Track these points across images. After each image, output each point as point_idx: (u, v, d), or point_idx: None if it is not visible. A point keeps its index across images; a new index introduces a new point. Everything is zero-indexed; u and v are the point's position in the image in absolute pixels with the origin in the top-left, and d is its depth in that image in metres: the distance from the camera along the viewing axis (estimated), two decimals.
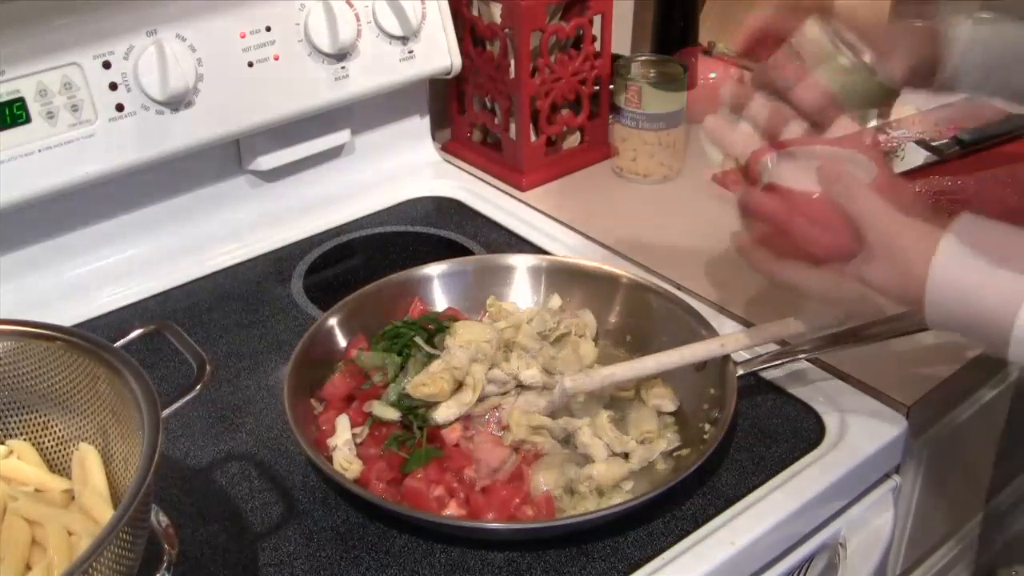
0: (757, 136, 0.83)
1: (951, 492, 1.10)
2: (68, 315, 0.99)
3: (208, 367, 0.70)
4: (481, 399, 0.84)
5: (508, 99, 1.20)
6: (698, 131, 1.30)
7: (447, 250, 1.10)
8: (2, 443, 0.74)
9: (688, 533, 0.76)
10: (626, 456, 0.82)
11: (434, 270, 0.98)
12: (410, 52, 1.16)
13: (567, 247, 1.10)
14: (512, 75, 1.18)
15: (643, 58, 1.25)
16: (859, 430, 0.85)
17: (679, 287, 1.01)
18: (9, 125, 0.92)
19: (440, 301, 0.97)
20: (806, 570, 0.87)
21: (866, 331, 0.86)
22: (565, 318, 0.93)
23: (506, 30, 1.16)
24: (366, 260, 1.12)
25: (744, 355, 0.88)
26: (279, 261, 1.10)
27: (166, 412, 0.64)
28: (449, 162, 1.29)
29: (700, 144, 0.88)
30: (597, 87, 1.24)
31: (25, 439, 0.74)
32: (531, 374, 0.85)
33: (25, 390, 0.72)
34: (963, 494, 1.15)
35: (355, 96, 1.13)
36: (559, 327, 0.91)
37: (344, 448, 0.81)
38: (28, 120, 0.93)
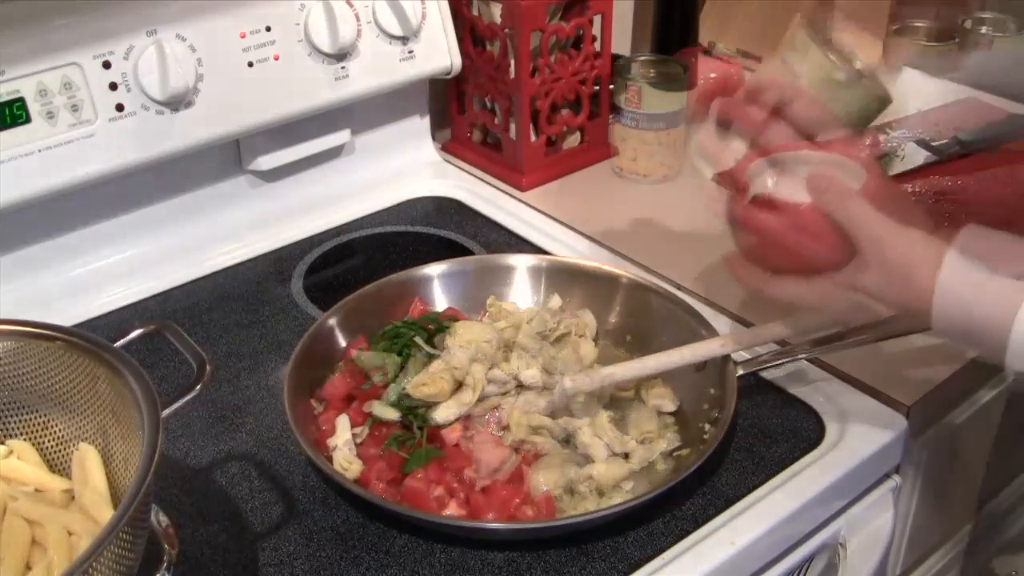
0: (748, 150, 0.83)
1: (951, 492, 1.10)
2: (68, 315, 0.99)
3: (208, 367, 0.70)
4: (481, 399, 0.84)
5: (508, 99, 1.20)
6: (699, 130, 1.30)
7: (447, 250, 1.10)
8: (2, 443, 0.74)
9: (688, 533, 0.76)
10: (626, 456, 0.82)
11: (434, 270, 0.98)
12: (410, 52, 1.16)
13: (567, 247, 1.10)
14: (512, 75, 1.18)
15: (643, 58, 1.25)
16: (859, 430, 0.85)
17: (679, 287, 1.01)
18: (9, 125, 0.92)
19: (440, 301, 0.97)
20: (806, 570, 0.87)
21: (866, 331, 0.86)
22: (565, 318, 0.93)
23: (506, 30, 1.17)
24: (366, 260, 1.12)
25: (744, 355, 0.88)
26: (279, 261, 1.10)
27: (166, 412, 0.64)
28: (449, 162, 1.29)
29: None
30: (597, 87, 1.24)
31: (25, 439, 0.74)
32: (531, 374, 0.85)
33: (25, 390, 0.72)
34: (963, 494, 1.15)
35: (355, 96, 1.13)
36: (559, 327, 0.91)
37: (344, 448, 0.81)
38: (28, 120, 0.93)
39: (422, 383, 0.83)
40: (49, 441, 0.74)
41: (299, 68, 1.08)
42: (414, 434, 0.82)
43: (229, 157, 1.13)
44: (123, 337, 0.71)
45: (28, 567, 0.65)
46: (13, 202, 0.94)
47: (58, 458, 0.74)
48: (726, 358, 0.85)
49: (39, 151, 0.94)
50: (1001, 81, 1.08)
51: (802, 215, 0.76)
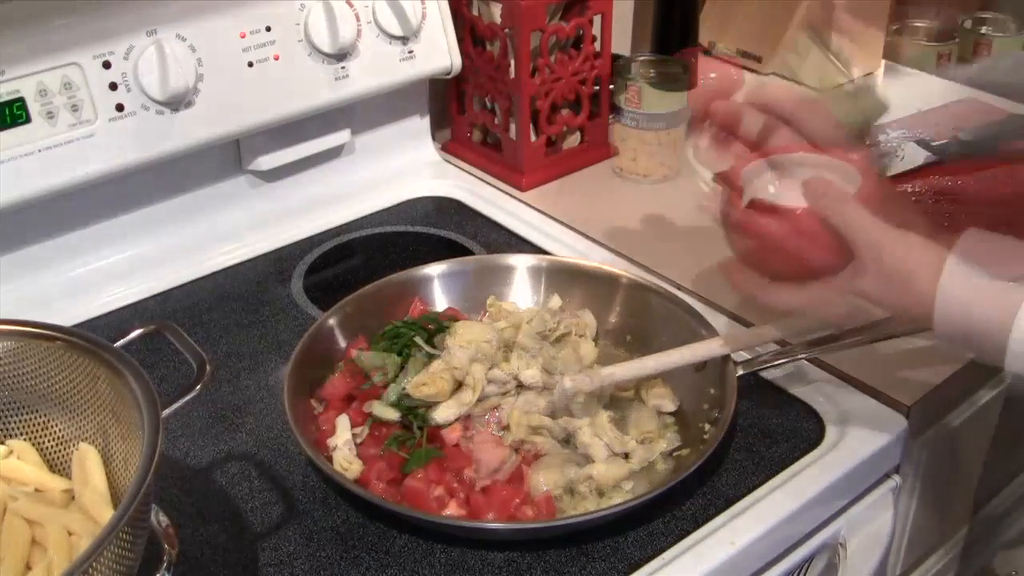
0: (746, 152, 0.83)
1: (951, 492, 1.10)
2: (68, 315, 0.98)
3: (208, 367, 0.70)
4: (481, 399, 0.84)
5: (508, 99, 1.20)
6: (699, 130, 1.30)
7: (447, 250, 1.10)
8: (2, 443, 0.74)
9: (688, 533, 0.76)
10: (626, 456, 0.82)
11: (434, 270, 0.98)
12: (410, 52, 1.16)
13: (567, 247, 1.10)
14: (512, 75, 1.18)
15: (643, 58, 1.25)
16: (859, 430, 0.85)
17: (679, 287, 1.01)
18: (9, 125, 0.92)
19: (440, 301, 0.97)
20: (806, 570, 0.87)
21: (865, 331, 0.86)
22: (565, 318, 0.93)
23: (506, 30, 1.16)
24: (366, 260, 1.12)
25: (744, 355, 0.88)
26: (279, 261, 1.10)
27: (166, 412, 0.64)
28: (449, 162, 1.29)
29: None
30: (597, 87, 1.24)
31: (25, 439, 0.74)
32: (531, 374, 0.85)
33: (25, 390, 0.72)
34: (963, 494, 1.15)
35: (355, 96, 1.13)
36: (559, 327, 0.91)
37: (344, 448, 0.81)
38: (28, 120, 0.93)
39: (422, 383, 0.83)
40: (49, 441, 0.74)
41: (299, 68, 1.08)
42: (414, 434, 0.82)
43: (229, 157, 1.13)
44: (123, 337, 0.71)
45: (28, 567, 0.65)
46: (13, 202, 0.94)
47: (58, 458, 0.74)
48: (726, 358, 0.85)
49: (39, 151, 0.94)
50: (1002, 82, 1.08)
51: (799, 219, 0.76)
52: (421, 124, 1.28)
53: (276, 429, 0.86)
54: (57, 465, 0.74)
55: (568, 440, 0.83)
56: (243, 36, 1.04)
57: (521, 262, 0.99)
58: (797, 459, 0.83)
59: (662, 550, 0.75)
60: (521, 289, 0.98)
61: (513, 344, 0.88)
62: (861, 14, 1.44)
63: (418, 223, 1.17)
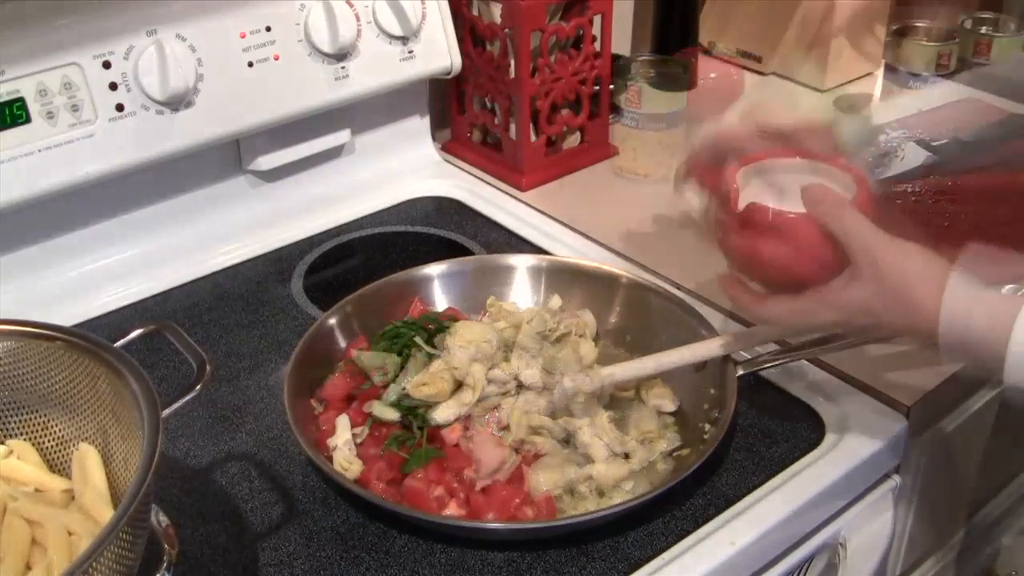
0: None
1: (951, 492, 1.10)
2: (68, 315, 0.98)
3: (208, 367, 0.70)
4: (481, 399, 0.84)
5: (508, 99, 1.20)
6: (698, 131, 1.30)
7: (447, 250, 1.10)
8: (2, 443, 0.74)
9: (688, 533, 0.76)
10: (626, 456, 0.82)
11: (434, 270, 0.98)
12: (410, 52, 1.16)
13: (567, 247, 1.10)
14: (512, 75, 1.18)
15: (643, 58, 1.25)
16: (859, 430, 0.85)
17: (679, 287, 1.01)
18: (9, 125, 0.92)
19: (440, 301, 0.97)
20: (806, 570, 0.87)
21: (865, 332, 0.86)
22: (565, 318, 0.93)
23: (506, 30, 1.16)
24: (366, 260, 1.12)
25: (744, 355, 0.88)
26: (279, 261, 1.10)
27: (166, 412, 0.64)
28: (449, 162, 1.29)
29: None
30: (597, 87, 1.24)
31: (25, 439, 0.74)
32: (531, 374, 0.85)
33: (25, 390, 0.72)
34: (963, 494, 1.15)
35: (355, 96, 1.13)
36: (559, 327, 0.91)
37: (344, 448, 0.81)
38: (28, 120, 0.93)
39: (422, 383, 0.83)
40: (49, 441, 0.74)
41: (299, 68, 1.08)
42: (414, 434, 0.82)
43: (229, 157, 1.13)
44: (123, 337, 0.71)
45: (28, 567, 0.65)
46: (13, 202, 0.94)
47: (58, 458, 0.74)
48: (726, 358, 0.85)
49: (39, 151, 0.94)
50: (1002, 81, 1.08)
51: (796, 225, 0.76)
52: (421, 124, 1.28)
53: (276, 429, 0.86)
54: (57, 465, 0.74)
55: (568, 440, 0.83)
56: (243, 36, 1.04)
57: (521, 262, 0.99)
58: (797, 459, 0.83)
59: (662, 550, 0.75)
60: (521, 289, 0.98)
61: (513, 344, 0.88)
62: (860, 14, 1.44)
63: (418, 223, 1.17)
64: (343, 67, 1.11)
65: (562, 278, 0.98)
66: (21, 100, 0.93)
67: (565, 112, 1.24)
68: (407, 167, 1.25)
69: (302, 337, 0.89)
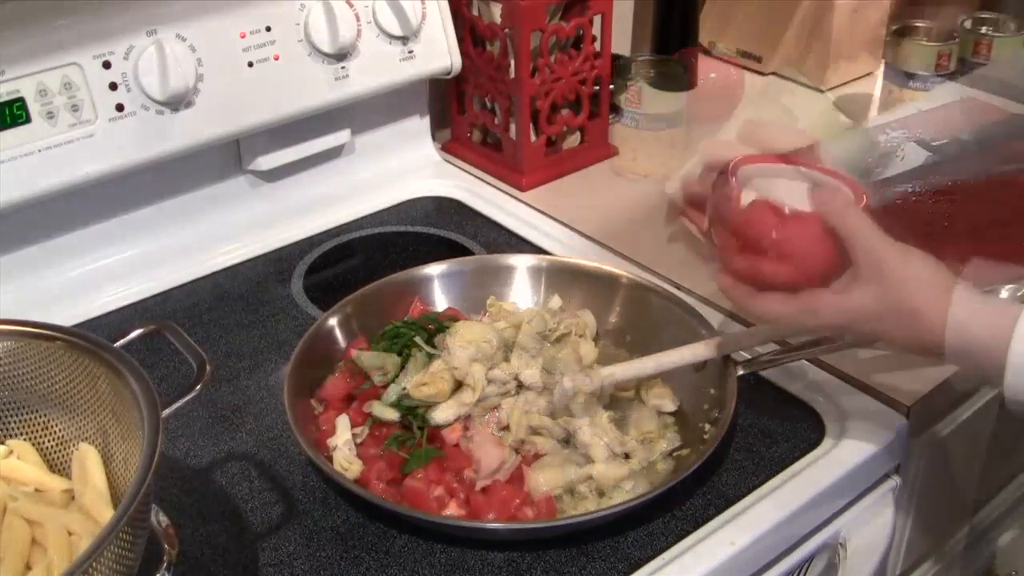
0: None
1: (951, 492, 1.10)
2: (68, 315, 0.99)
3: (208, 367, 0.70)
4: (481, 399, 0.84)
5: (508, 99, 1.20)
6: (698, 130, 1.30)
7: (447, 250, 1.10)
8: (2, 443, 0.74)
9: (688, 533, 0.76)
10: (626, 456, 0.82)
11: (434, 270, 0.98)
12: (410, 52, 1.16)
13: (567, 247, 1.10)
14: (512, 75, 1.18)
15: (643, 58, 1.25)
16: (859, 430, 0.85)
17: (679, 287, 1.00)
18: (9, 125, 0.92)
19: (440, 301, 0.97)
20: (806, 570, 0.87)
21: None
22: (565, 318, 0.93)
23: (506, 30, 1.17)
24: (366, 260, 1.12)
25: (744, 355, 0.88)
26: (279, 261, 1.10)
27: (166, 412, 0.64)
28: (449, 162, 1.29)
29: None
30: (597, 87, 1.24)
31: (25, 439, 0.74)
32: (531, 374, 0.85)
33: (25, 390, 0.72)
34: (963, 494, 1.15)
35: (355, 96, 1.13)
36: (559, 327, 0.91)
37: (344, 448, 0.81)
38: (28, 120, 0.93)
39: (422, 383, 0.83)
40: (49, 441, 0.74)
41: (299, 68, 1.08)
42: (414, 434, 0.82)
43: (229, 157, 1.13)
44: (123, 337, 0.71)
45: (28, 567, 0.65)
46: (13, 202, 0.94)
47: (58, 458, 0.74)
48: (726, 358, 0.85)
49: (39, 151, 0.94)
50: (1002, 81, 1.08)
51: (803, 222, 0.75)
52: (421, 124, 1.28)
53: (276, 429, 0.86)
54: (57, 465, 0.74)
55: (568, 440, 0.83)
56: (243, 36, 1.04)
57: (521, 262, 0.99)
58: (797, 459, 0.83)
59: (662, 550, 0.75)
60: (521, 289, 0.98)
61: (513, 344, 0.88)
62: (861, 14, 1.44)
63: (418, 223, 1.17)
64: (343, 67, 1.11)
65: (562, 278, 0.98)
66: (21, 100, 0.93)
67: (565, 112, 1.24)
68: (407, 167, 1.25)
69: (302, 337, 0.89)
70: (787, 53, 1.47)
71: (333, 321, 0.91)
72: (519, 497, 0.77)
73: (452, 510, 0.77)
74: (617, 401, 0.88)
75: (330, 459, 0.80)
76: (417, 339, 0.88)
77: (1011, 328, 0.67)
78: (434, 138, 1.30)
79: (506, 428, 0.83)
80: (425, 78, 1.20)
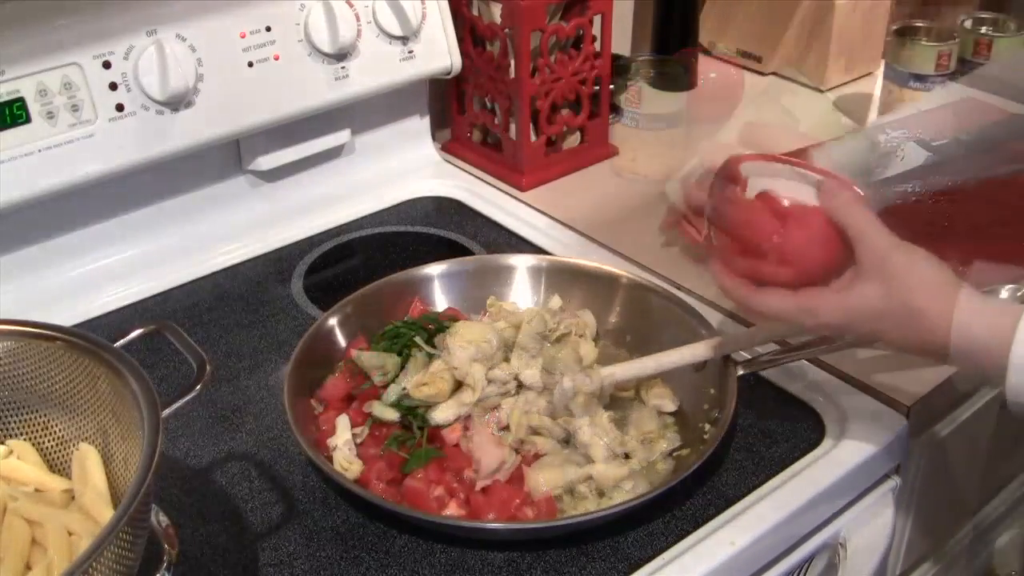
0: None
1: (951, 492, 1.10)
2: (68, 315, 0.99)
3: (208, 367, 0.70)
4: (481, 399, 0.84)
5: (508, 99, 1.20)
6: (698, 130, 1.30)
7: (447, 250, 1.10)
8: (2, 443, 0.74)
9: (688, 533, 0.76)
10: (626, 456, 0.82)
11: (434, 270, 0.98)
12: (410, 52, 1.16)
13: (567, 247, 1.10)
14: (512, 75, 1.18)
15: (643, 58, 1.25)
16: (859, 430, 0.85)
17: (679, 287, 1.00)
18: (9, 125, 0.92)
19: (440, 301, 0.97)
20: (806, 570, 0.87)
21: None
22: (565, 318, 0.93)
23: (506, 30, 1.17)
24: (366, 260, 1.12)
25: (744, 355, 0.88)
26: (279, 261, 1.10)
27: (166, 412, 0.64)
28: (449, 162, 1.29)
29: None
30: (597, 87, 1.24)
31: (25, 439, 0.74)
32: (531, 374, 0.85)
33: (25, 390, 0.72)
34: (963, 493, 1.15)
35: (355, 96, 1.13)
36: (559, 327, 0.91)
37: (344, 448, 0.81)
38: (28, 120, 0.93)
39: (422, 383, 0.83)
40: (49, 441, 0.74)
41: (299, 68, 1.08)
42: (414, 434, 0.82)
43: (229, 157, 1.13)
44: (123, 337, 0.71)
45: (28, 567, 0.65)
46: (13, 202, 0.94)
47: (58, 458, 0.74)
48: (726, 358, 0.85)
49: (39, 151, 0.94)
50: (1002, 81, 1.08)
51: (808, 216, 0.75)
52: (421, 124, 1.28)
53: (276, 429, 0.86)
54: (57, 465, 0.74)
55: (568, 440, 0.83)
56: (243, 36, 1.04)
57: (521, 262, 0.99)
58: (797, 459, 0.83)
59: (662, 550, 0.75)
60: (521, 289, 0.98)
61: (513, 344, 0.88)
62: (861, 14, 1.44)
63: (418, 223, 1.17)
64: (343, 67, 1.11)
65: (562, 278, 0.98)
66: (21, 100, 0.93)
67: (565, 112, 1.24)
68: (407, 167, 1.25)
69: (302, 337, 0.89)
70: (787, 53, 1.47)
71: (333, 321, 0.91)
72: (519, 497, 0.77)
73: (452, 510, 0.77)
74: (617, 401, 0.88)
75: (330, 459, 0.80)
76: (417, 339, 0.88)
77: (1012, 328, 0.67)
78: (434, 138, 1.30)
79: (506, 428, 0.83)
80: (425, 78, 1.20)
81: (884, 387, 0.88)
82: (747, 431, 0.85)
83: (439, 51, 1.18)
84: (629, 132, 1.22)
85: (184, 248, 1.10)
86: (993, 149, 1.24)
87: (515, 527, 0.76)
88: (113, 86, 0.97)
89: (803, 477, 0.81)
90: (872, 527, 0.90)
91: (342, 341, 0.91)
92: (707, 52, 1.52)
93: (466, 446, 0.81)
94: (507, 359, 0.87)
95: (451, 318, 0.92)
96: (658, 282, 0.98)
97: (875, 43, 1.47)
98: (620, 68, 1.22)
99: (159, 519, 0.71)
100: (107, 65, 0.96)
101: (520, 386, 0.86)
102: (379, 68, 1.14)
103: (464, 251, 1.10)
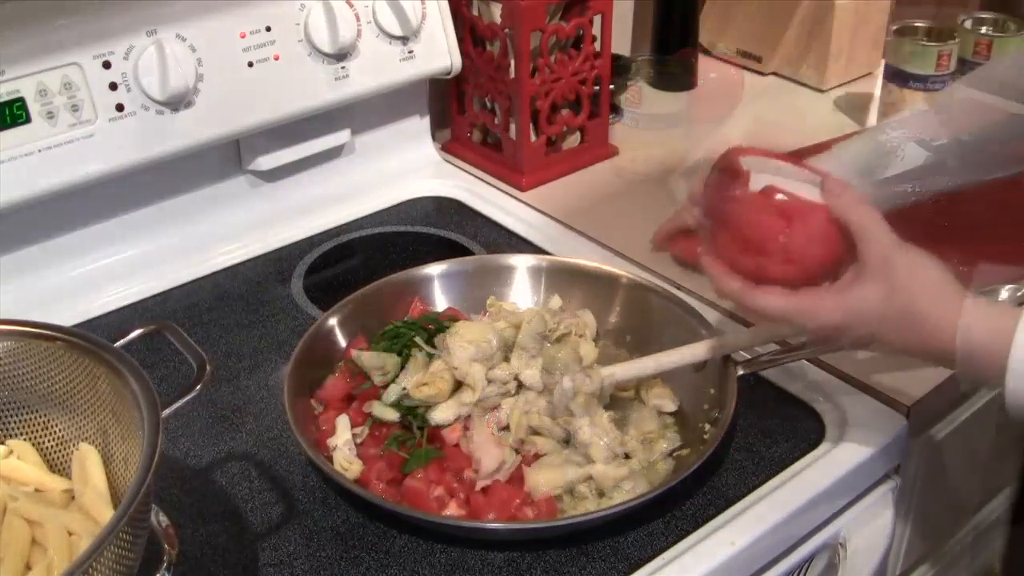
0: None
1: (951, 492, 1.10)
2: (68, 315, 0.99)
3: (208, 367, 0.70)
4: (481, 399, 0.84)
5: (508, 99, 1.20)
6: (698, 130, 1.30)
7: (447, 250, 1.10)
8: (2, 443, 0.74)
9: (688, 533, 0.76)
10: (626, 456, 0.82)
11: (434, 270, 0.98)
12: (410, 52, 1.16)
13: (567, 247, 1.10)
14: (512, 75, 1.18)
15: (643, 58, 1.25)
16: (859, 430, 0.85)
17: (679, 287, 1.00)
18: (9, 125, 0.92)
19: (440, 301, 0.97)
20: (806, 570, 0.87)
21: None
22: (565, 318, 0.93)
23: (506, 30, 1.16)
24: (366, 260, 1.12)
25: (744, 355, 0.88)
26: (279, 261, 1.10)
27: (166, 412, 0.65)
28: (449, 162, 1.29)
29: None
30: (597, 87, 1.24)
31: (25, 439, 0.74)
32: (531, 374, 0.85)
33: (25, 390, 0.72)
34: (963, 493, 1.15)
35: (355, 96, 1.13)
36: (559, 327, 0.91)
37: (344, 448, 0.81)
38: (28, 120, 0.93)
39: (422, 383, 0.83)
40: (49, 441, 0.74)
41: (299, 68, 1.08)
42: (414, 434, 0.82)
43: (229, 157, 1.13)
44: (123, 337, 0.71)
45: (28, 567, 0.65)
46: (13, 202, 0.94)
47: (58, 458, 0.74)
48: (726, 358, 0.85)
49: (39, 151, 0.94)
50: (1002, 81, 1.08)
51: (812, 213, 0.75)
52: (421, 124, 1.28)
53: (276, 429, 0.86)
54: (57, 465, 0.74)
55: (568, 440, 0.83)
56: (243, 36, 1.04)
57: (521, 262, 0.99)
58: (797, 459, 0.83)
59: (662, 550, 0.75)
60: (521, 289, 0.98)
61: (513, 344, 0.88)
62: (861, 14, 1.44)
63: (418, 223, 1.17)
64: (343, 67, 1.11)
65: (562, 278, 0.98)
66: (21, 100, 0.93)
67: (565, 112, 1.24)
68: (407, 167, 1.25)
69: (302, 337, 0.89)
70: (787, 53, 1.47)
71: (333, 321, 0.91)
72: (519, 497, 0.77)
73: (452, 510, 0.77)
74: (617, 401, 0.88)
75: (330, 459, 0.80)
76: (417, 339, 0.88)
77: (1012, 332, 0.67)
78: (434, 138, 1.30)
79: (506, 428, 0.83)
80: (425, 78, 1.20)
81: (884, 387, 0.88)
82: (747, 431, 0.85)
83: (439, 51, 1.18)
84: (629, 132, 1.22)
85: (184, 248, 1.10)
86: (993, 150, 1.24)
87: (515, 527, 0.76)
88: (113, 86, 0.97)
89: (803, 477, 0.81)
90: (872, 527, 0.90)
91: (342, 341, 0.91)
92: (707, 52, 1.52)
93: (466, 446, 0.81)
94: (507, 359, 0.87)
95: (451, 318, 0.92)
96: (658, 282, 0.98)
97: (875, 43, 1.47)
98: (620, 68, 1.22)
99: (159, 519, 0.71)
100: (107, 65, 0.96)
101: (520, 386, 0.86)
102: (379, 68, 1.14)
103: (464, 251, 1.10)
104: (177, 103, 1.00)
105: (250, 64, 1.05)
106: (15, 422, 0.74)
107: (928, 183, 1.17)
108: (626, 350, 0.94)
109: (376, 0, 1.12)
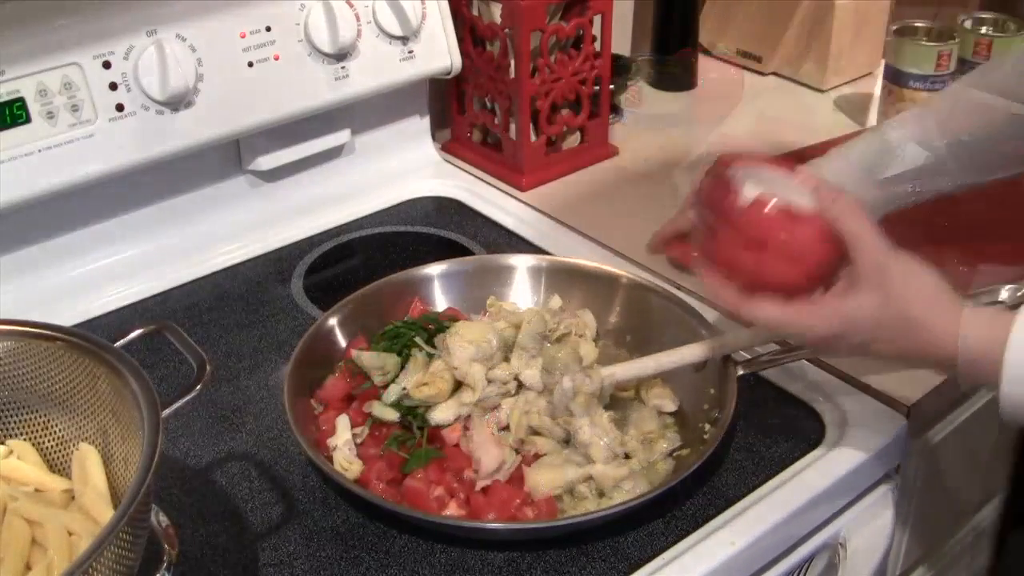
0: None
1: (951, 492, 1.10)
2: (68, 315, 0.99)
3: (208, 367, 0.70)
4: (481, 399, 0.84)
5: (508, 99, 1.20)
6: (698, 130, 1.30)
7: (447, 250, 1.10)
8: (2, 443, 0.74)
9: (688, 533, 0.76)
10: (626, 456, 0.82)
11: (434, 270, 0.98)
12: (410, 52, 1.16)
13: (567, 247, 1.10)
14: (512, 75, 1.18)
15: (643, 58, 1.25)
16: (859, 430, 0.85)
17: (679, 287, 1.00)
18: (9, 125, 0.92)
19: (440, 301, 0.97)
20: (806, 570, 0.87)
21: None
22: (565, 318, 0.93)
23: (506, 30, 1.17)
24: (366, 260, 1.12)
25: (744, 355, 0.88)
26: (279, 261, 1.10)
27: (166, 412, 0.65)
28: (449, 162, 1.29)
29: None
30: (597, 87, 1.24)
31: (25, 439, 0.74)
32: (531, 374, 0.85)
33: (25, 390, 0.72)
34: (963, 493, 1.15)
35: (355, 96, 1.13)
36: (559, 327, 0.91)
37: (344, 448, 0.81)
38: (28, 120, 0.93)
39: (422, 383, 0.83)
40: (49, 441, 0.74)
41: (299, 68, 1.08)
42: (414, 434, 0.82)
43: (229, 157, 1.13)
44: (123, 337, 0.71)
45: (28, 567, 0.65)
46: (13, 202, 0.94)
47: (58, 458, 0.74)
48: (726, 358, 0.85)
49: (39, 151, 0.94)
50: (1002, 81, 1.08)
51: (806, 222, 0.75)
52: (421, 124, 1.28)
53: (276, 429, 0.86)
54: (57, 465, 0.74)
55: (568, 440, 0.83)
56: (243, 36, 1.04)
57: (521, 262, 0.99)
58: (797, 459, 0.83)
59: (662, 550, 0.75)
60: (521, 289, 0.98)
61: (513, 344, 0.88)
62: (861, 14, 1.44)
63: (418, 223, 1.17)
64: (343, 67, 1.11)
65: (562, 278, 0.98)
66: (21, 100, 0.93)
67: (565, 112, 1.24)
68: (407, 167, 1.25)
69: (302, 337, 0.89)
70: (787, 53, 1.47)
71: (333, 321, 0.91)
72: (519, 497, 0.77)
73: (452, 510, 0.77)
74: (617, 401, 0.88)
75: (330, 459, 0.80)
76: (417, 339, 0.88)
77: (1006, 337, 0.67)
78: (434, 138, 1.30)
79: (506, 428, 0.83)
80: (425, 78, 1.20)
81: (884, 388, 0.88)
82: (747, 431, 0.85)
83: (439, 51, 1.18)
84: (629, 132, 1.22)
85: (184, 248, 1.10)
86: (993, 150, 1.23)
87: (515, 527, 0.76)
88: (113, 86, 0.97)
89: (803, 477, 0.81)
90: (872, 527, 0.90)
91: (342, 341, 0.91)
92: (707, 52, 1.52)
93: (466, 446, 0.81)
94: (507, 359, 0.87)
95: (451, 318, 0.92)
96: (658, 282, 0.98)
97: (875, 43, 1.47)
98: (620, 68, 1.22)
99: (159, 519, 0.71)
100: (107, 65, 0.96)
101: (520, 386, 0.86)
102: (379, 68, 1.14)
103: (464, 251, 1.10)
104: (177, 103, 1.00)
105: (250, 64, 1.05)
106: (15, 422, 0.74)
107: (928, 183, 1.17)
108: (626, 350, 0.94)
109: (376, 0, 1.12)
